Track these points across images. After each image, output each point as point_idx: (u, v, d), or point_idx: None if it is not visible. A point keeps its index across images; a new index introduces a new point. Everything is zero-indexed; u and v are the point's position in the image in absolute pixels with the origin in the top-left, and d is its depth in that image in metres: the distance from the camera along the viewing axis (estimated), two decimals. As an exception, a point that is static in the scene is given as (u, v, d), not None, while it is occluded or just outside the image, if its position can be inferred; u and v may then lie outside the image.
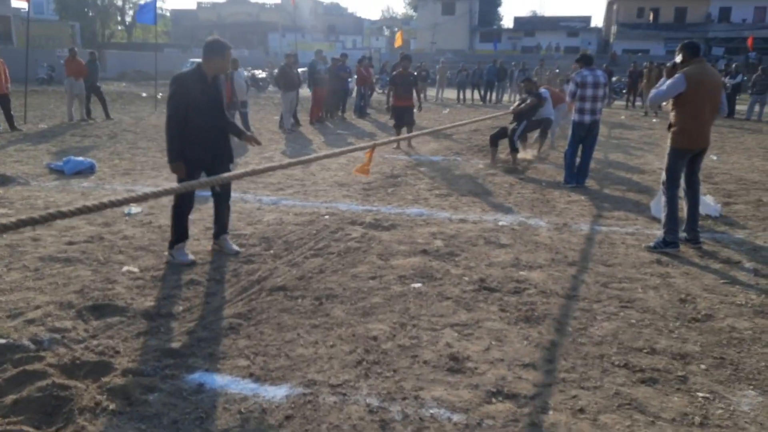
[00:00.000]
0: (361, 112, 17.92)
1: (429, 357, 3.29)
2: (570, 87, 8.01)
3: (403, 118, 11.25)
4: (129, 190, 7.20)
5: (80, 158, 8.29)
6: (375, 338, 3.47)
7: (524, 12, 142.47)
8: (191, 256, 4.61)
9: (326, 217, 6.17)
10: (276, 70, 17.04)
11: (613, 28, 55.89)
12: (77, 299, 3.79)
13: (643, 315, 3.97)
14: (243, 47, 57.81)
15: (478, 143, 12.34)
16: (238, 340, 3.38)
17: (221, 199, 4.80)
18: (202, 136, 4.44)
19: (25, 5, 15.68)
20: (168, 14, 72.75)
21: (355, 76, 18.46)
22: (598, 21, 66.55)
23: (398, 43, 29.39)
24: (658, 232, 5.81)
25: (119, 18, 65.67)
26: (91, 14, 61.13)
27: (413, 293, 4.20)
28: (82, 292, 3.91)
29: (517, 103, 9.27)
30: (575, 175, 8.11)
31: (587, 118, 7.87)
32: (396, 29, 44.46)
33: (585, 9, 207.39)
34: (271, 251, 4.99)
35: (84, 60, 14.50)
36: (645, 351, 3.46)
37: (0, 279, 4.13)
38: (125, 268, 4.36)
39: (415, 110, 11.58)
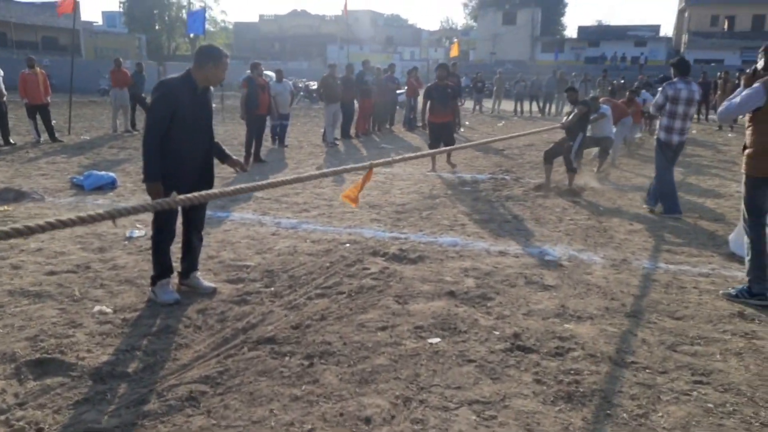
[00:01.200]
0: (410, 124, 17.23)
1: (433, 453, 2.51)
2: (658, 99, 6.85)
3: (440, 136, 9.61)
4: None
5: (102, 173, 7.93)
6: (367, 421, 2.72)
7: (590, 22, 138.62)
8: (176, 295, 3.99)
9: (346, 245, 5.47)
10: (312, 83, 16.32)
11: (684, 37, 53.22)
12: (25, 350, 3.22)
13: (723, 396, 3.06)
14: (302, 59, 58.44)
15: (531, 160, 11.41)
16: (194, 416, 2.69)
17: (192, 229, 4.16)
18: (185, 155, 3.83)
19: (96, 19, 15.86)
20: (231, 26, 74.57)
21: (405, 88, 17.81)
22: (668, 30, 63.56)
23: (454, 53, 28.64)
24: (739, 273, 4.83)
25: (185, 31, 67.74)
26: (158, 27, 63.34)
27: (428, 352, 3.42)
28: (35, 340, 3.34)
29: (565, 117, 8.27)
30: (671, 203, 7.01)
31: (676, 138, 6.82)
32: (455, 40, 43.70)
33: (654, 18, 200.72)
34: (272, 288, 4.33)
35: (131, 71, 14.43)
36: (728, 456, 2.57)
37: (-44, 317, 3.63)
38: (96, 308, 3.78)
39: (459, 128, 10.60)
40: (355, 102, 14.75)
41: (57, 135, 12.23)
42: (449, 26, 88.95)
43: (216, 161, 4.15)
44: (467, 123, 19.42)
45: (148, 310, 3.84)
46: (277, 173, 9.52)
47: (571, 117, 7.96)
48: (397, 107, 18.27)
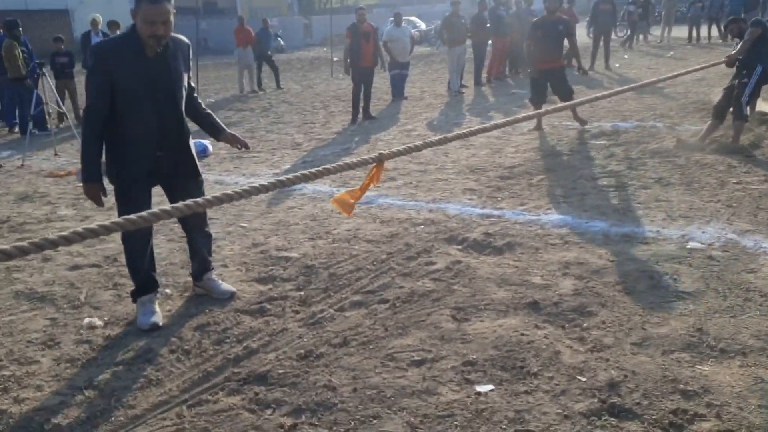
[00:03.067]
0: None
1: None
2: None
3: (543, 88, 7.61)
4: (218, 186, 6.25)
5: (194, 140, 7.57)
6: None
7: None
8: (154, 318, 3.11)
9: (420, 227, 4.45)
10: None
11: None
12: (-24, 381, 2.72)
13: None
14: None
15: (699, 99, 9.22)
16: None
17: (190, 229, 3.35)
18: (142, 139, 2.94)
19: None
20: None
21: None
22: None
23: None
24: None
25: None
26: (310, -18, 64.39)
27: (469, 411, 2.37)
28: (-3, 366, 2.83)
29: (734, 50, 6.11)
30: None
31: None
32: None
33: None
34: (302, 292, 3.48)
35: (255, 29, 14.21)
36: None
37: (-50, 327, 3.27)
38: (87, 320, 3.21)
39: (575, 73, 8.39)
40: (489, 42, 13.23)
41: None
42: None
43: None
44: (626, 56, 16.83)
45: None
46: (382, 131, 8.61)
47: (739, 46, 5.95)
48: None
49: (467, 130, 2.67)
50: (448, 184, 5.63)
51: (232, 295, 3.40)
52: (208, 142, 7.76)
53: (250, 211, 5.05)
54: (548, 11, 7.51)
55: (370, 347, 2.86)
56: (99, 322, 3.18)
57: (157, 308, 3.21)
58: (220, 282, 3.48)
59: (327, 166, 2.35)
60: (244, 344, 2.92)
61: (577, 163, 6.07)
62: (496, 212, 4.73)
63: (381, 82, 13.16)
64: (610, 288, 3.35)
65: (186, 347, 2.92)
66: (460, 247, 4.06)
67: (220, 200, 2.03)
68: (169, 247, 4.28)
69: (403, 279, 3.58)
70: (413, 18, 37.11)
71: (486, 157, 6.59)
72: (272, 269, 3.82)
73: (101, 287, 3.64)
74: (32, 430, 2.35)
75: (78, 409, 2.47)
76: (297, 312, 3.26)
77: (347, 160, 2.41)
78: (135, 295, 3.20)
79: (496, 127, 2.99)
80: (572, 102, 5.18)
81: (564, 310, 3.14)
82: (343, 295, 3.41)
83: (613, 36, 16.19)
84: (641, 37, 21.06)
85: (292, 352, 2.84)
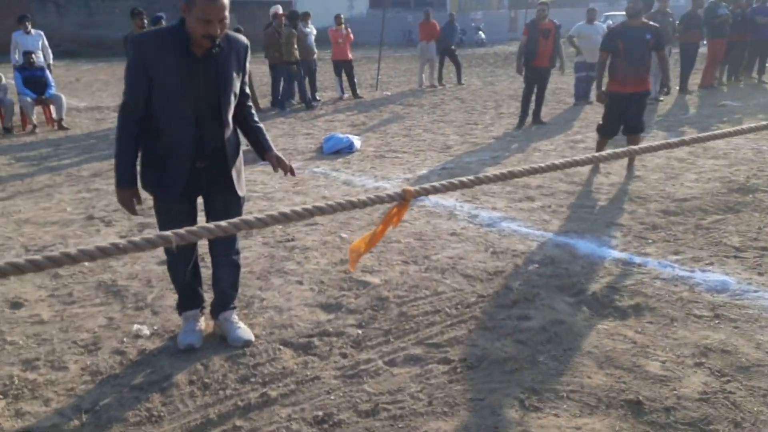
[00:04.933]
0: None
1: None
2: None
3: (620, 116, 5.74)
4: (319, 196, 6.01)
5: (343, 136, 7.47)
6: None
7: None
8: (192, 338, 2.88)
9: (533, 267, 3.71)
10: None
11: None
12: (4, 379, 2.70)
13: None
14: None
15: None
16: None
17: (216, 253, 2.95)
18: (178, 147, 2.62)
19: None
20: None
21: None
22: None
23: None
24: None
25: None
26: (523, -26, 62.51)
27: None
28: (30, 364, 2.78)
29: None
30: None
31: None
32: None
33: None
34: (360, 331, 3.02)
35: (441, 23, 13.88)
36: None
37: (15, 318, 3.38)
38: (135, 327, 3.10)
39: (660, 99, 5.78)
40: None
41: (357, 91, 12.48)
42: None
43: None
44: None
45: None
46: (545, 140, 7.72)
47: None
48: None
49: (507, 170, 1.92)
50: (593, 213, 4.73)
51: (245, 344, 2.88)
52: (357, 138, 7.61)
53: (359, 220, 4.71)
54: (630, 16, 5.61)
55: (399, 425, 2.32)
56: (146, 331, 3.05)
57: (201, 327, 2.99)
58: (238, 326, 2.96)
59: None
60: (265, 389, 2.56)
61: (775, 204, 4.74)
62: (637, 259, 3.79)
63: (566, 83, 12.10)
64: (757, 399, 2.38)
65: (207, 380, 2.64)
66: (571, 300, 3.27)
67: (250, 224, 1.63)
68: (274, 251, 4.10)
69: (481, 334, 2.94)
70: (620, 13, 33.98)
71: (655, 183, 5.47)
72: (344, 295, 3.42)
73: (173, 290, 3.54)
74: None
75: (64, 437, 2.30)
76: (344, 356, 2.81)
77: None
78: (179, 309, 3.02)
79: (532, 172, 2.19)
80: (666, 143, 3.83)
81: (676, 421, 2.28)
82: (402, 344, 2.88)
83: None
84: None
85: (309, 412, 2.40)
